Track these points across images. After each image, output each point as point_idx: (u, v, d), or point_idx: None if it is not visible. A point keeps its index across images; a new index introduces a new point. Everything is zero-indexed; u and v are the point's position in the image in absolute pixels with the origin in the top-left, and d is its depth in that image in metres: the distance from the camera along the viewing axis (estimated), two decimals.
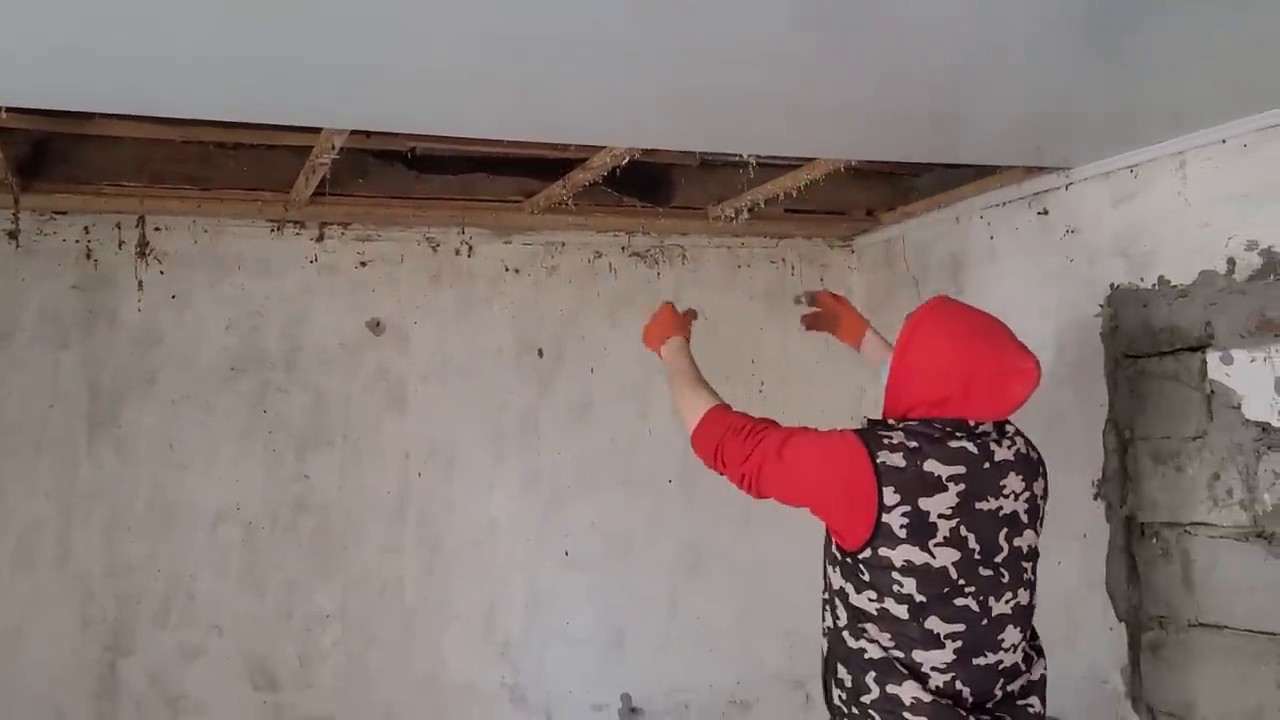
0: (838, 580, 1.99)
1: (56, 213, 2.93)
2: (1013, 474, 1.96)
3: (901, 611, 1.89)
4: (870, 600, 1.91)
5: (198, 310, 3.06)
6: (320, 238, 3.19)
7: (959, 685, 1.90)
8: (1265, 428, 2.22)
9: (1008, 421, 2.01)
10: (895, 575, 1.88)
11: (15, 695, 2.82)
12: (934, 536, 1.87)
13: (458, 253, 3.33)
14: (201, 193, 2.90)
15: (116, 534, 2.93)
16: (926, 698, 1.87)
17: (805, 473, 1.96)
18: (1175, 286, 2.44)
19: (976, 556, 1.90)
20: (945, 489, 1.88)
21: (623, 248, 3.50)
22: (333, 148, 2.51)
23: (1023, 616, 1.99)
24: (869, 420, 2.03)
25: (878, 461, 1.87)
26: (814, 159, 2.77)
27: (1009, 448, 1.97)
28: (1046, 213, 2.84)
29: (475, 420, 3.29)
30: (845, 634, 1.97)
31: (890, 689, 1.89)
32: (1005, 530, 1.94)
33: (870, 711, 1.91)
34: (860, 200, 3.42)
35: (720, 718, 3.41)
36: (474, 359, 3.31)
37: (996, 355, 1.93)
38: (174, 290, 3.04)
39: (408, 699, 3.14)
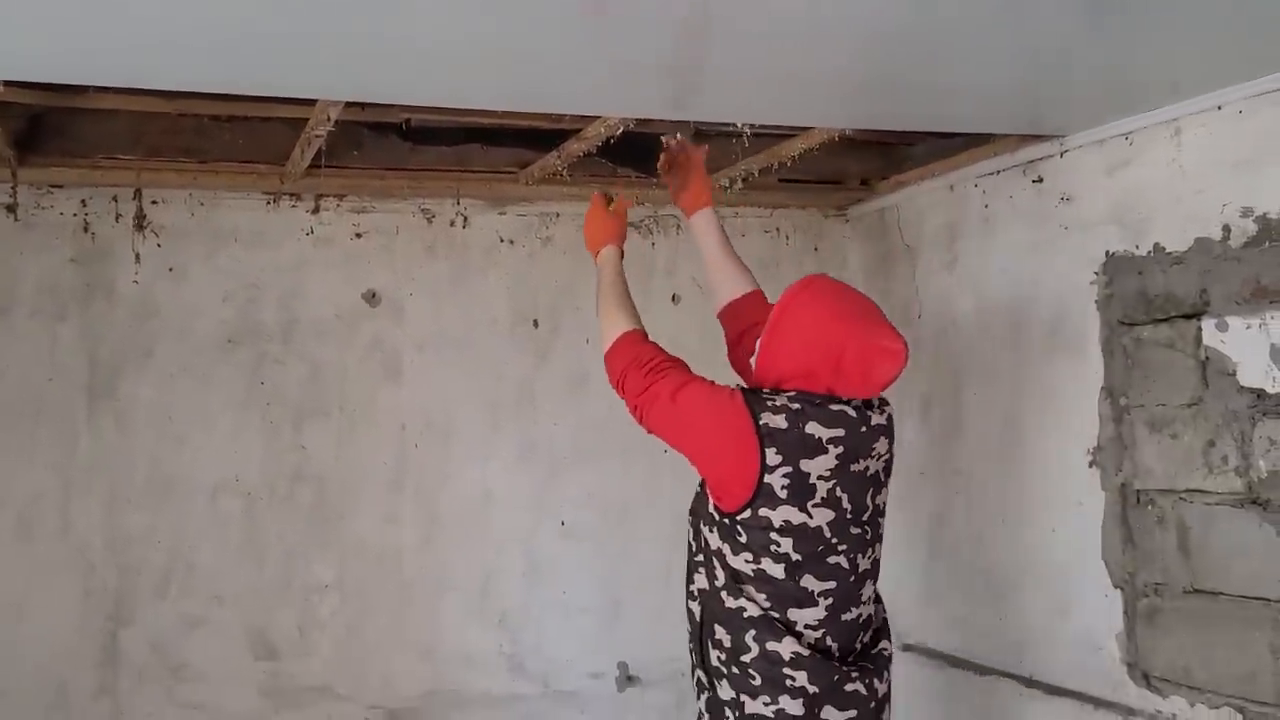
0: (715, 541, 2.03)
1: (53, 186, 2.92)
2: (883, 438, 2.05)
3: (778, 571, 1.96)
4: (747, 561, 1.98)
5: (195, 283, 3.06)
6: (316, 210, 3.19)
7: (829, 641, 1.99)
8: (1260, 394, 2.23)
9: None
10: (773, 535, 1.94)
11: (18, 666, 2.84)
12: (812, 497, 1.94)
13: (452, 224, 3.33)
14: (198, 165, 2.89)
15: (116, 506, 2.94)
16: (805, 652, 1.95)
17: (694, 422, 2.02)
18: (1170, 254, 2.45)
19: (848, 516, 1.98)
20: (825, 451, 1.94)
21: None
22: (328, 119, 2.50)
23: (876, 570, 2.10)
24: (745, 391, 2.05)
25: (760, 423, 1.93)
26: (808, 129, 2.77)
27: (881, 413, 2.06)
28: (1041, 180, 2.84)
29: (471, 391, 3.30)
30: (723, 594, 2.02)
31: (770, 646, 1.96)
32: (870, 490, 2.03)
33: (750, 670, 1.97)
34: (855, 170, 3.41)
35: None
36: (469, 330, 3.31)
37: (866, 334, 1.96)
38: (171, 263, 3.04)
39: (406, 668, 3.17)
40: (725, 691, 2.02)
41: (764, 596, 1.97)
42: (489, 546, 3.28)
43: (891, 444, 2.10)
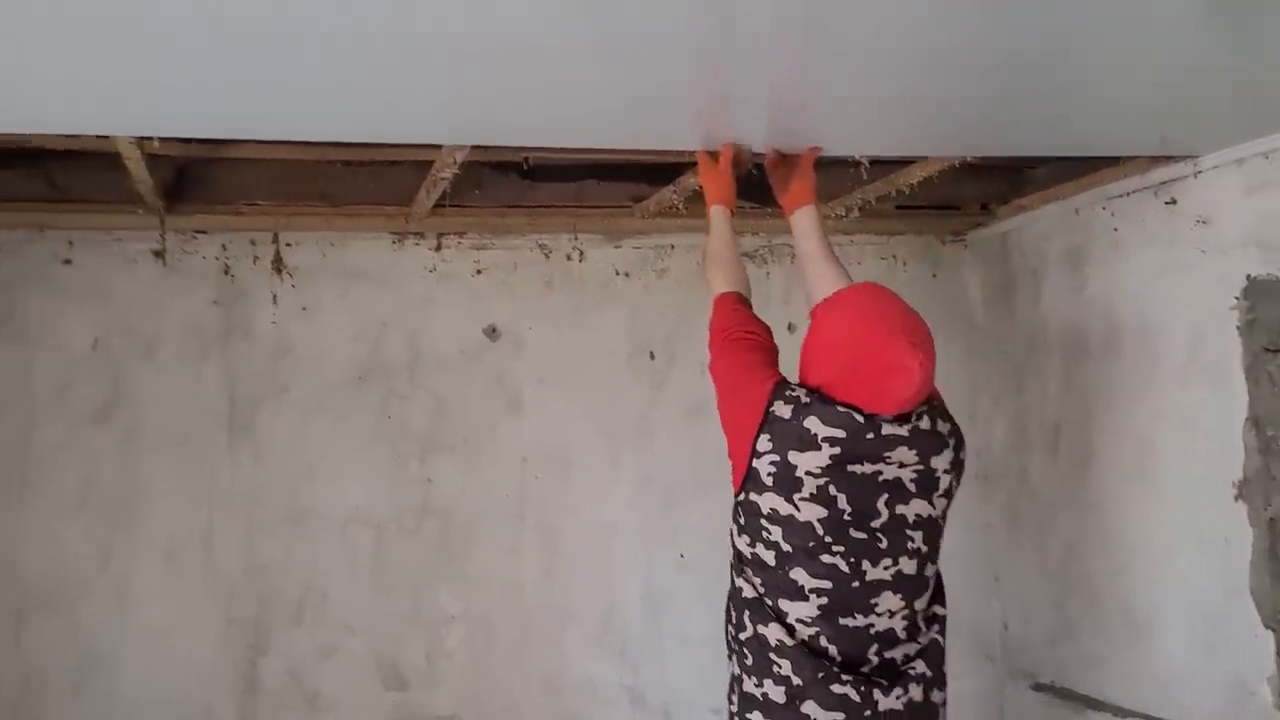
0: (730, 521, 2.07)
1: (197, 232, 3.08)
2: (903, 447, 1.93)
3: (769, 558, 1.95)
4: (746, 544, 2.00)
5: (326, 321, 3.18)
6: (438, 248, 3.29)
7: (824, 642, 1.94)
8: None
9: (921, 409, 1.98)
10: (763, 522, 1.94)
11: (167, 692, 2.97)
12: (799, 490, 1.90)
13: (569, 258, 3.39)
14: (330, 209, 3.01)
15: (255, 536, 3.07)
16: (790, 641, 1.93)
17: (723, 396, 2.10)
18: None
19: (847, 518, 1.91)
20: (819, 448, 1.89)
21: None
22: (454, 163, 2.58)
23: (907, 585, 1.97)
24: None
25: (769, 409, 1.93)
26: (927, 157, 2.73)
27: (904, 425, 1.93)
28: (1175, 202, 2.75)
29: (590, 423, 3.34)
30: (732, 572, 2.07)
31: (760, 629, 1.97)
32: (885, 496, 1.94)
33: (745, 649, 2.00)
34: (973, 194, 3.35)
35: None
36: (587, 363, 3.36)
37: (880, 348, 1.88)
38: (304, 303, 3.16)
39: (530, 699, 3.21)
40: (733, 667, 2.07)
41: (759, 581, 1.98)
42: (609, 578, 3.30)
43: (934, 456, 1.97)
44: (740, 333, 2.16)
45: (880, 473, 1.93)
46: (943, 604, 2.08)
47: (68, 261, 3.02)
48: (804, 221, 2.42)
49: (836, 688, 1.91)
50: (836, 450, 1.89)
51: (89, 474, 2.98)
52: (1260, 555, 2.47)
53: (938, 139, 2.54)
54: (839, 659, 1.94)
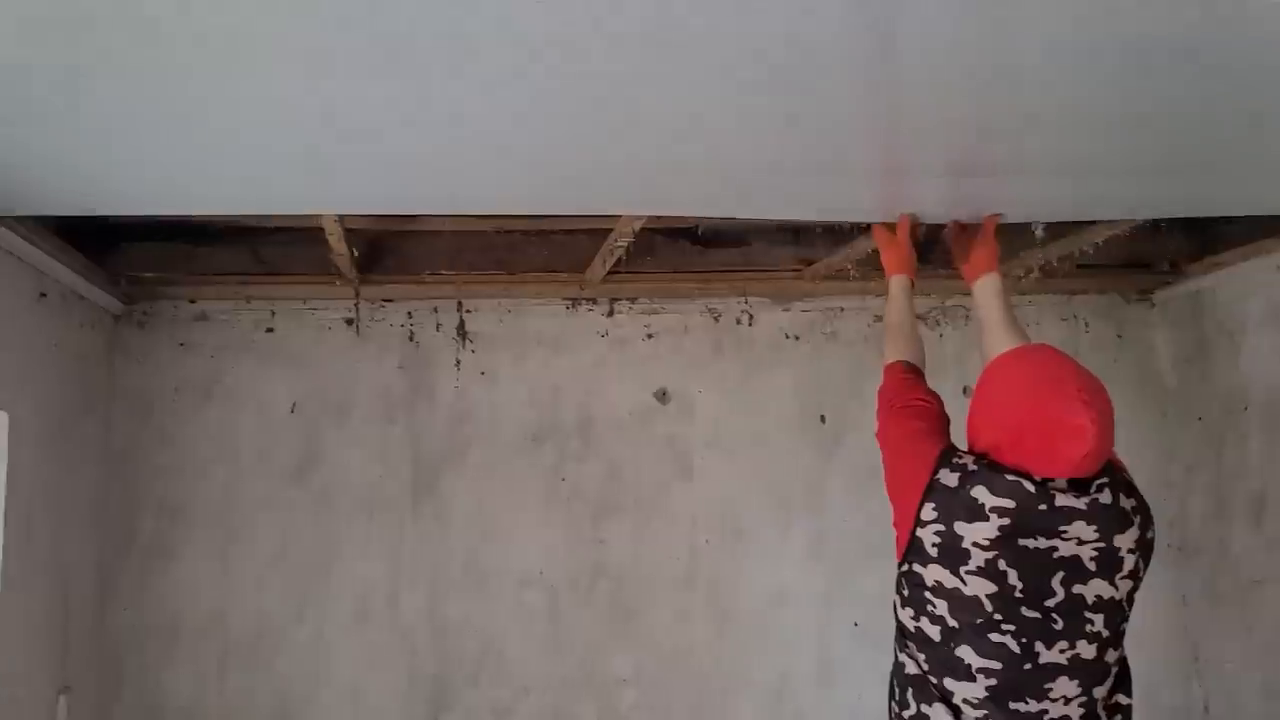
0: (893, 592, 1.95)
1: (385, 301, 3.25)
2: (1080, 521, 1.79)
3: (934, 633, 1.84)
4: (910, 617, 1.89)
5: (503, 385, 3.29)
6: (610, 313, 3.36)
7: None
8: None
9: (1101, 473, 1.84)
10: (928, 595, 1.84)
11: None
12: (965, 563, 1.79)
13: (738, 321, 3.41)
14: (507, 276, 3.13)
15: (437, 596, 3.17)
16: None
17: (888, 465, 2.02)
18: None
19: (1018, 595, 1.78)
20: (986, 519, 1.78)
21: None
22: (631, 232, 2.65)
23: (1085, 670, 1.82)
24: None
25: (935, 476, 1.85)
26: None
27: (1081, 497, 1.80)
28: None
29: (760, 488, 3.33)
30: (895, 646, 1.96)
31: (924, 708, 1.85)
32: (1062, 574, 1.80)
33: None
34: (1162, 251, 3.21)
35: None
36: (757, 427, 3.36)
37: (1050, 405, 1.77)
38: (483, 367, 3.28)
39: None
40: None
41: (923, 657, 1.88)
42: (782, 645, 3.26)
43: (1117, 533, 1.84)
44: (907, 399, 2.12)
45: (1055, 549, 1.81)
46: (1127, 693, 1.93)
47: (270, 330, 3.23)
48: (986, 289, 2.37)
49: None
50: (1006, 521, 1.79)
51: (286, 531, 3.15)
52: None
53: (1121, 202, 2.45)
54: None
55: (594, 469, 3.29)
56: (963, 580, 1.81)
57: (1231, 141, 1.98)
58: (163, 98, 1.68)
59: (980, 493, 1.80)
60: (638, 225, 2.62)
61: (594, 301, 3.36)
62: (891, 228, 2.48)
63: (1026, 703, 1.83)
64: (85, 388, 2.92)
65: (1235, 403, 3.09)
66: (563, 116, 1.79)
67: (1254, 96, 1.74)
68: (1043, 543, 1.81)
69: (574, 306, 3.36)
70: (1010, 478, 1.81)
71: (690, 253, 3.16)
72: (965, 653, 1.83)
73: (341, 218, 2.55)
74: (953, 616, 1.83)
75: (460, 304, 3.27)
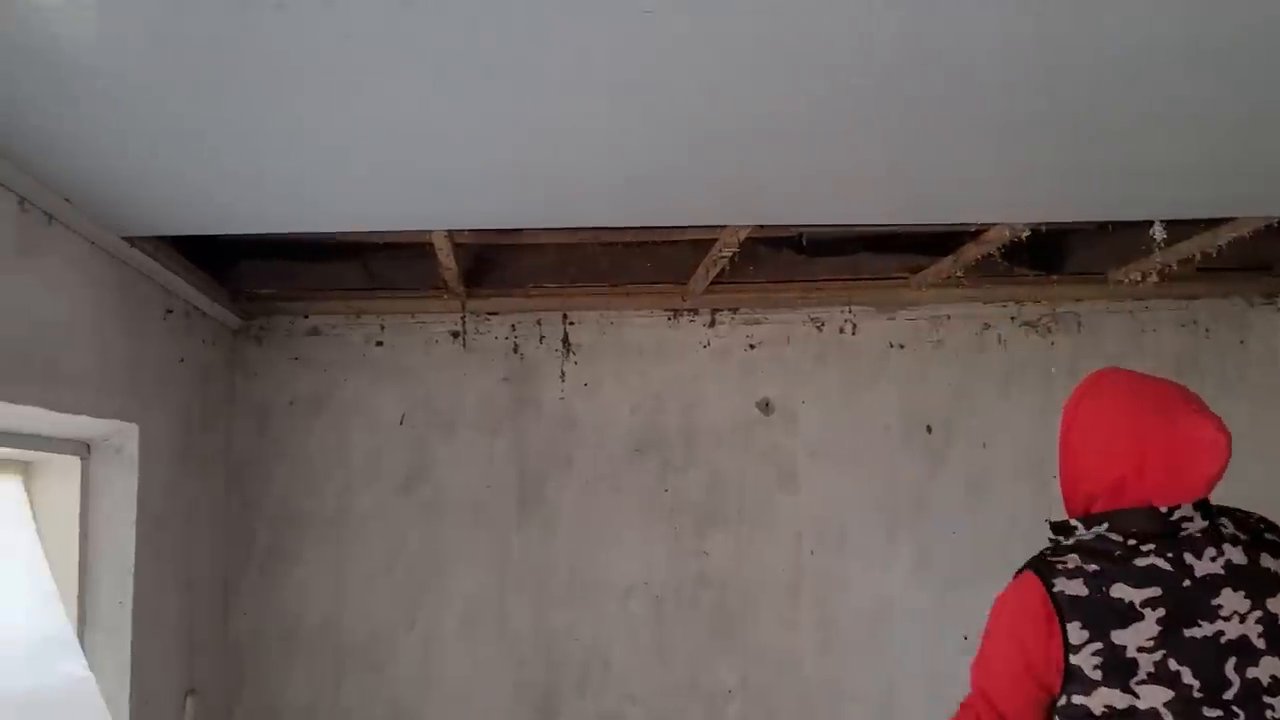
0: None
1: (490, 314, 3.31)
2: (1227, 589, 1.62)
3: None
4: None
5: (606, 396, 3.31)
6: (712, 323, 3.36)
7: None
8: None
9: (1223, 520, 1.67)
10: None
11: None
12: (1135, 674, 1.59)
13: (842, 331, 3.37)
14: (610, 288, 3.16)
15: (543, 604, 3.20)
16: None
17: (991, 629, 1.78)
18: None
19: (1197, 694, 1.58)
20: (1141, 617, 1.59)
21: (1012, 317, 3.38)
22: (736, 242, 2.65)
23: None
24: (1051, 529, 1.77)
25: (1054, 591, 1.63)
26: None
27: (1214, 559, 1.63)
28: None
29: (865, 498, 3.29)
30: None
31: None
32: (1234, 660, 1.60)
33: None
34: None
35: None
36: (861, 436, 3.31)
37: (1170, 427, 1.64)
38: (586, 378, 3.31)
39: None
40: None
41: None
42: (889, 658, 3.21)
43: (1270, 597, 1.65)
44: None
45: (1222, 633, 1.63)
46: None
47: (379, 344, 3.31)
48: None
49: None
50: (1161, 613, 1.62)
51: (396, 540, 3.22)
52: None
53: (1251, 195, 2.36)
54: None
55: (697, 479, 3.29)
56: (1135, 695, 1.62)
57: None
58: (281, 118, 1.73)
59: (1122, 590, 1.63)
60: (743, 235, 2.61)
61: (695, 312, 3.36)
62: None
63: None
64: (208, 401, 3.03)
65: None
66: (675, 126, 1.79)
67: None
68: (1206, 628, 1.63)
69: (675, 317, 3.36)
70: (1141, 563, 1.65)
71: (794, 262, 3.14)
72: None
73: (451, 233, 2.61)
74: None
75: (565, 315, 3.31)
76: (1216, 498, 1.68)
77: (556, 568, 3.22)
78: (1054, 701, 1.66)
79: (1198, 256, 2.82)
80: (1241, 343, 3.34)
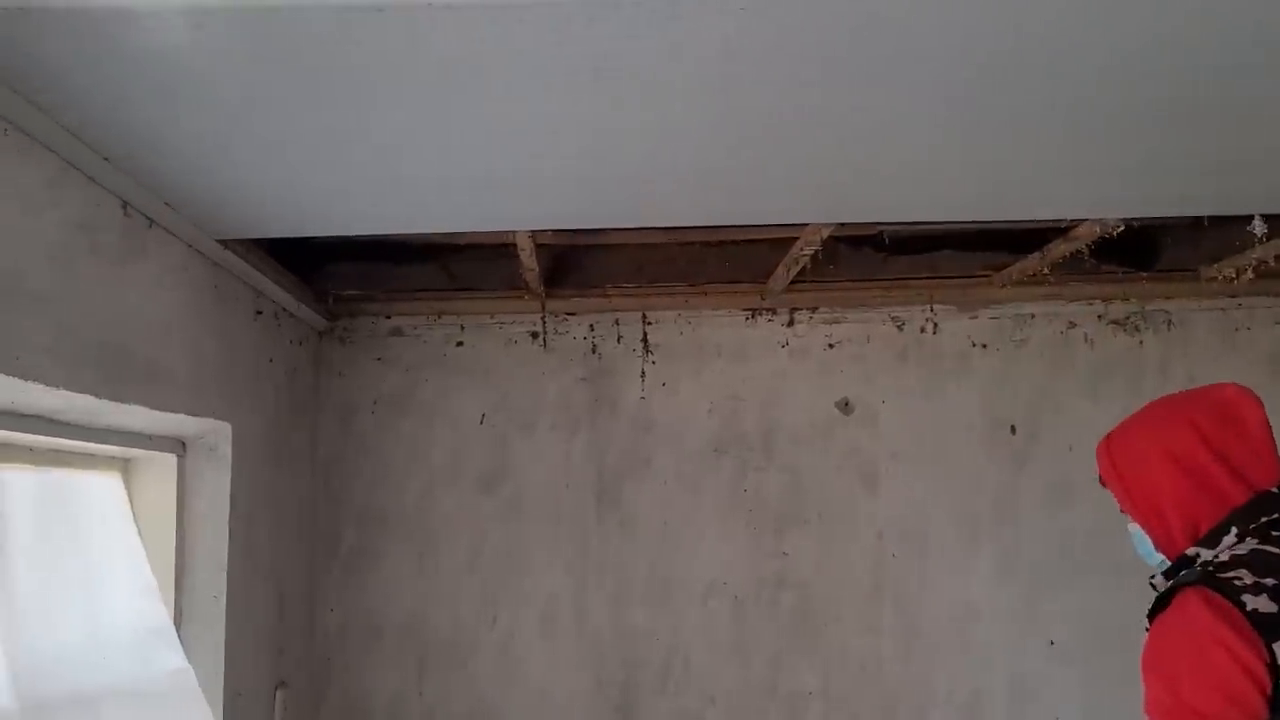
0: None
1: (568, 314, 3.33)
2: None
3: None
4: None
5: (684, 395, 3.31)
6: (791, 323, 3.34)
7: None
8: None
9: None
10: None
11: None
12: None
13: (923, 330, 3.33)
14: (688, 288, 3.16)
15: (621, 603, 3.22)
16: None
17: (1163, 660, 1.54)
18: None
19: None
20: None
21: (1099, 316, 3.30)
22: (817, 241, 2.63)
23: None
24: (1167, 576, 1.64)
25: (1249, 610, 1.47)
26: None
27: None
28: None
29: (947, 500, 3.24)
30: None
31: None
32: None
33: None
34: None
35: None
36: (943, 437, 3.27)
37: (1203, 408, 1.63)
38: (664, 378, 3.32)
39: None
40: None
41: None
42: (972, 662, 3.16)
43: None
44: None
45: None
46: None
47: (459, 344, 3.35)
48: None
49: None
50: None
51: (477, 539, 3.26)
52: None
53: None
54: None
55: (776, 480, 3.27)
56: None
57: None
58: (377, 126, 1.76)
59: None
60: (825, 234, 2.59)
61: (774, 312, 3.34)
62: None
63: None
64: (295, 401, 3.10)
65: None
66: (758, 124, 1.79)
67: None
68: None
69: (753, 317, 3.35)
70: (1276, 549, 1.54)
71: (874, 261, 3.11)
72: None
73: (534, 233, 2.63)
74: None
75: (645, 315, 3.31)
76: None
77: (635, 566, 3.23)
78: None
79: None
80: None
